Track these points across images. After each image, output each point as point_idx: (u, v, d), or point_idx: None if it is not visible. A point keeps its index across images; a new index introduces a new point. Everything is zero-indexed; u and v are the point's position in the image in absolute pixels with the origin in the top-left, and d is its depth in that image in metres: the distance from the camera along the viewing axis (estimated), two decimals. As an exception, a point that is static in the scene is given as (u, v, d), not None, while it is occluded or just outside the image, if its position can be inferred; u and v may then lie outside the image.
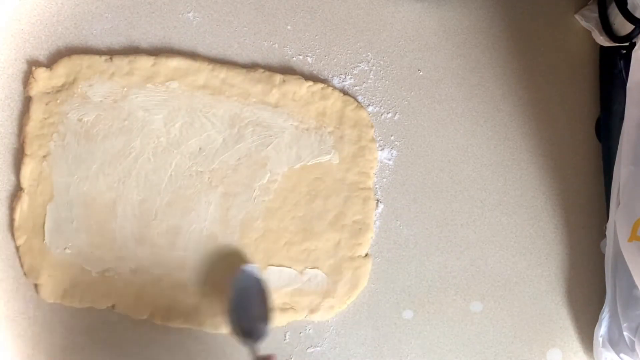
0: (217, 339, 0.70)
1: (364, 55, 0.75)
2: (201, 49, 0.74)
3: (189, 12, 0.74)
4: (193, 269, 0.69)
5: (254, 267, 0.68)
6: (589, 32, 0.74)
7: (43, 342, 0.69)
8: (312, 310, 0.69)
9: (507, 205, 0.73)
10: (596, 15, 0.71)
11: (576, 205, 0.73)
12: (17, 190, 0.70)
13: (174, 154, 0.71)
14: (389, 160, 0.73)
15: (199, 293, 0.69)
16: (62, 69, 0.71)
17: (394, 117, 0.74)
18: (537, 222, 0.73)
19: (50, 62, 0.73)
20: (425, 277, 0.72)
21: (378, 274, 0.71)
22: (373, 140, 0.72)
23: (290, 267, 0.70)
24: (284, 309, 0.69)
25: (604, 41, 0.71)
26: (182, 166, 0.70)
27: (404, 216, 0.73)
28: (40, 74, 0.71)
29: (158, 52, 0.73)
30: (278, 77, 0.72)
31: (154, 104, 0.71)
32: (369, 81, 0.74)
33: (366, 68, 0.75)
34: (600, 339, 0.68)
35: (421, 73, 0.75)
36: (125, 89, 0.71)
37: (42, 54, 0.73)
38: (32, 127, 0.70)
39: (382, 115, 0.74)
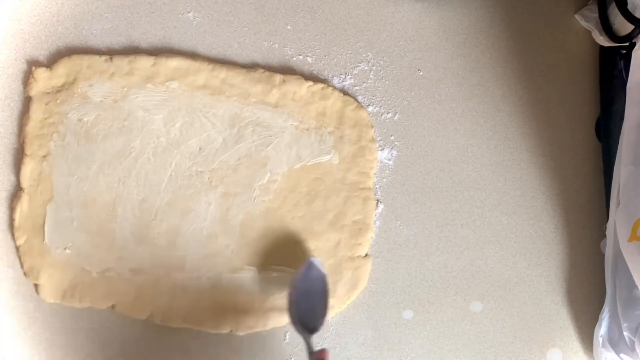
0: (217, 338, 0.70)
1: (364, 55, 0.75)
2: (201, 49, 0.74)
3: (189, 12, 0.74)
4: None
5: (319, 260, 0.68)
6: (589, 32, 0.74)
7: (43, 342, 0.69)
8: (312, 310, 0.69)
9: (507, 205, 0.73)
10: (596, 15, 0.71)
11: (576, 205, 0.73)
12: (17, 190, 0.70)
13: (174, 154, 0.71)
14: (389, 160, 0.73)
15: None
16: (62, 69, 0.71)
17: (394, 117, 0.74)
18: (537, 222, 0.73)
19: (50, 62, 0.73)
20: (425, 277, 0.72)
21: (378, 274, 0.71)
22: (373, 140, 0.72)
23: (290, 267, 0.70)
24: (283, 309, 0.69)
25: (604, 41, 0.71)
26: (182, 166, 0.70)
27: (404, 216, 0.73)
28: (40, 74, 0.71)
29: (158, 52, 0.73)
30: (278, 77, 0.72)
31: (154, 104, 0.71)
32: (369, 81, 0.74)
33: (366, 68, 0.75)
34: (600, 339, 0.68)
35: (421, 73, 0.75)
36: (125, 89, 0.71)
37: (42, 54, 0.73)
38: (32, 127, 0.70)
39: (382, 115, 0.74)
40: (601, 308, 0.69)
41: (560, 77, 0.75)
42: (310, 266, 0.67)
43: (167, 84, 0.71)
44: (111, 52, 0.73)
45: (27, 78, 0.72)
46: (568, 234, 0.73)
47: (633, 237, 0.59)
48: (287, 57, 0.74)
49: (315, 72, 0.74)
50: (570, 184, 0.73)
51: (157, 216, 0.70)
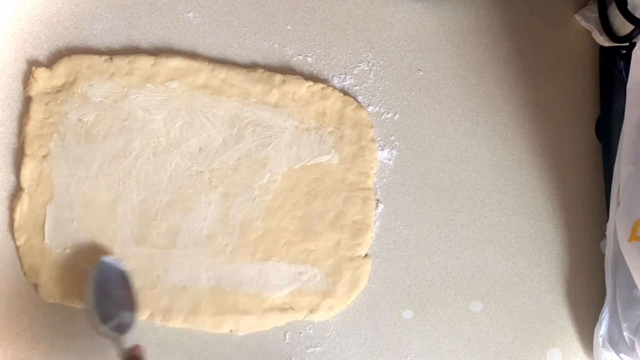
0: (217, 338, 0.70)
1: (364, 55, 0.75)
2: (201, 49, 0.74)
3: (189, 12, 0.74)
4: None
5: (113, 258, 0.67)
6: (589, 32, 0.74)
7: (43, 342, 0.69)
8: (311, 311, 0.69)
9: (507, 205, 0.73)
10: (596, 15, 0.71)
11: (576, 205, 0.73)
12: (17, 190, 0.70)
13: (174, 154, 0.71)
14: (389, 160, 0.73)
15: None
16: (62, 69, 0.71)
17: (394, 117, 0.74)
18: (537, 222, 0.73)
19: (50, 62, 0.73)
20: (425, 277, 0.72)
21: (378, 274, 0.71)
22: (373, 140, 0.72)
23: (289, 267, 0.70)
24: (283, 309, 0.69)
25: (604, 41, 0.71)
26: (182, 166, 0.70)
27: (404, 216, 0.73)
28: (40, 74, 0.71)
29: (158, 52, 0.73)
30: (278, 77, 0.72)
31: (154, 104, 0.71)
32: (369, 81, 0.74)
33: (366, 68, 0.75)
34: (600, 339, 0.68)
35: (421, 73, 0.75)
36: (125, 89, 0.71)
37: (42, 54, 0.73)
38: (32, 127, 0.70)
39: (382, 115, 0.74)
40: (601, 308, 0.69)
41: (560, 77, 0.75)
42: (102, 266, 0.66)
43: (167, 84, 0.71)
44: (111, 52, 0.73)
45: (27, 78, 0.72)
46: (568, 234, 0.73)
47: (633, 237, 0.59)
48: (287, 57, 0.74)
49: (315, 72, 0.74)
50: (570, 184, 0.73)
51: (157, 216, 0.70)
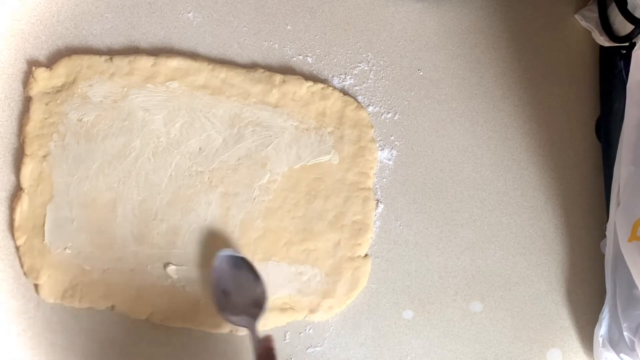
0: (217, 338, 0.70)
1: (364, 55, 0.75)
2: (201, 49, 0.74)
3: (189, 12, 0.75)
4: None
5: (231, 250, 0.68)
6: (589, 32, 0.74)
7: (43, 342, 0.69)
8: (311, 311, 0.69)
9: (507, 205, 0.73)
10: (596, 15, 0.71)
11: (576, 205, 0.73)
12: (17, 190, 0.70)
13: (174, 154, 0.71)
14: (389, 160, 0.73)
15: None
16: (62, 69, 0.71)
17: (394, 117, 0.74)
18: (537, 222, 0.73)
19: (50, 62, 0.73)
20: (425, 277, 0.72)
21: (378, 274, 0.71)
22: (373, 140, 0.72)
23: (289, 267, 0.70)
24: (283, 309, 0.69)
25: (604, 41, 0.71)
26: (182, 166, 0.70)
27: (404, 216, 0.73)
28: (40, 74, 0.71)
29: (158, 52, 0.73)
30: (278, 77, 0.72)
31: (154, 104, 0.71)
32: (369, 81, 0.74)
33: (366, 68, 0.75)
34: (600, 339, 0.68)
35: (421, 73, 0.75)
36: (125, 89, 0.71)
37: (42, 54, 0.73)
38: (32, 127, 0.70)
39: (382, 115, 0.74)
40: (601, 308, 0.69)
41: (560, 77, 0.75)
42: (221, 260, 0.67)
43: (167, 84, 0.71)
44: (111, 52, 0.73)
45: (27, 78, 0.72)
46: (568, 234, 0.73)
47: (633, 237, 0.59)
48: (287, 57, 0.74)
49: (315, 72, 0.74)
50: (570, 184, 0.73)
51: (157, 216, 0.70)
